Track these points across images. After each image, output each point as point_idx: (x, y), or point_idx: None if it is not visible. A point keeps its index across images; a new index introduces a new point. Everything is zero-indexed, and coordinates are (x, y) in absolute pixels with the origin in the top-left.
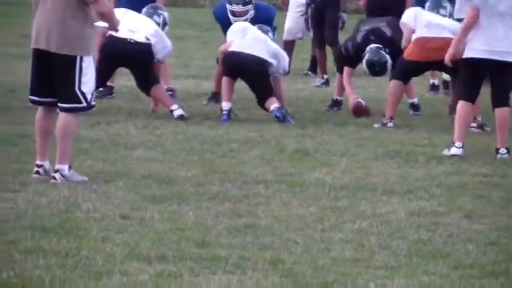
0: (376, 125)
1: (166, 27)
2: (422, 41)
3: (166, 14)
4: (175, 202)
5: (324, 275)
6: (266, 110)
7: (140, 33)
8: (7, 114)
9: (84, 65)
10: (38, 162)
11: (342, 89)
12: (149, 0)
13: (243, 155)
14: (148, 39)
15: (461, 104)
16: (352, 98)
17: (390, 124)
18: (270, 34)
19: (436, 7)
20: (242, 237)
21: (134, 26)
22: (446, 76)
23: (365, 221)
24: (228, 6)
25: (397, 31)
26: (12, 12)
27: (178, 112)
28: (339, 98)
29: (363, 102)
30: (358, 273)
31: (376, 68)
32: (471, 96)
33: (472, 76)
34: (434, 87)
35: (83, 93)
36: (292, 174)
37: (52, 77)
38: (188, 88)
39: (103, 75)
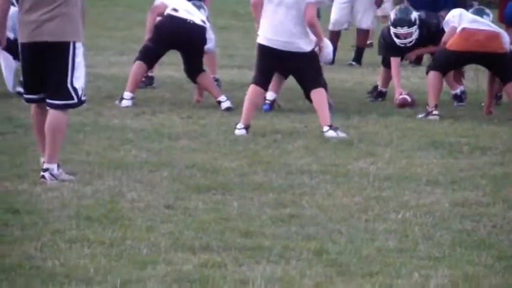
0: (419, 116)
1: (209, 23)
2: (469, 33)
3: (208, 13)
4: (220, 192)
5: (368, 265)
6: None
7: (197, 17)
8: None
9: (77, 51)
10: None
11: (386, 82)
12: None
13: (287, 145)
14: (204, 22)
15: (252, 88)
16: (398, 92)
17: (435, 112)
18: None
19: (480, 14)
20: (286, 227)
21: (190, 9)
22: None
23: (409, 212)
24: None
25: (431, 18)
26: None
27: (226, 104)
28: (384, 90)
29: (408, 99)
30: (402, 263)
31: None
32: (261, 82)
33: (262, 62)
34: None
35: (75, 89)
36: (336, 164)
37: (43, 71)
38: (232, 78)
39: (154, 55)
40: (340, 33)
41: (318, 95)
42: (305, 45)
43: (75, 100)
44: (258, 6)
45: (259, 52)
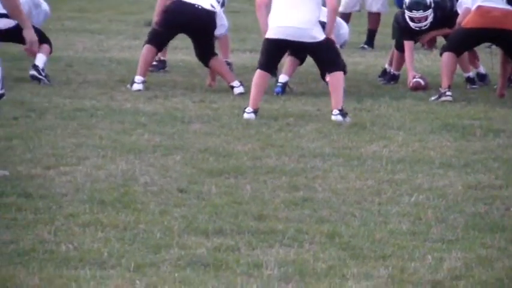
0: (432, 98)
1: (224, 8)
2: (485, 9)
3: None
4: (233, 176)
5: (381, 248)
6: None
7: (206, 1)
8: (65, 89)
9: None
10: None
11: (399, 65)
12: None
13: (300, 128)
14: (213, 7)
15: (258, 73)
16: (411, 75)
17: (448, 93)
18: None
19: None
20: (299, 210)
21: None
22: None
23: (422, 195)
24: None
25: (445, 0)
26: None
27: (239, 90)
28: (396, 73)
29: (422, 82)
30: (415, 247)
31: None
32: (267, 67)
33: (270, 54)
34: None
35: None
36: (349, 147)
37: None
38: (245, 62)
39: (162, 39)
40: (351, 15)
41: (335, 79)
42: (318, 33)
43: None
44: (262, 7)
45: (267, 47)
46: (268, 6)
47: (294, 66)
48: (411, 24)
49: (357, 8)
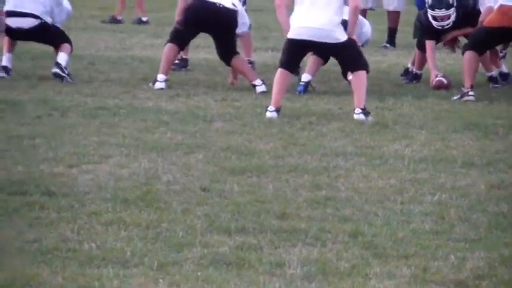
0: (454, 97)
1: (245, 6)
2: (508, 8)
3: None
4: (255, 174)
5: (403, 247)
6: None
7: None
8: (88, 87)
9: None
10: None
11: (421, 64)
12: None
13: (322, 127)
14: (235, 5)
15: (280, 72)
16: (433, 74)
17: (471, 93)
18: None
19: None
20: (322, 209)
21: None
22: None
23: (445, 194)
24: None
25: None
26: None
27: (261, 88)
28: (419, 72)
29: (445, 81)
30: (438, 246)
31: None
32: (289, 67)
33: (293, 52)
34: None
35: None
36: (371, 146)
37: None
38: (266, 60)
39: (184, 37)
40: (366, 12)
41: (358, 78)
42: (340, 34)
43: None
44: (282, 7)
45: (288, 46)
46: (288, 6)
47: (317, 65)
48: (434, 23)
49: (370, 5)
